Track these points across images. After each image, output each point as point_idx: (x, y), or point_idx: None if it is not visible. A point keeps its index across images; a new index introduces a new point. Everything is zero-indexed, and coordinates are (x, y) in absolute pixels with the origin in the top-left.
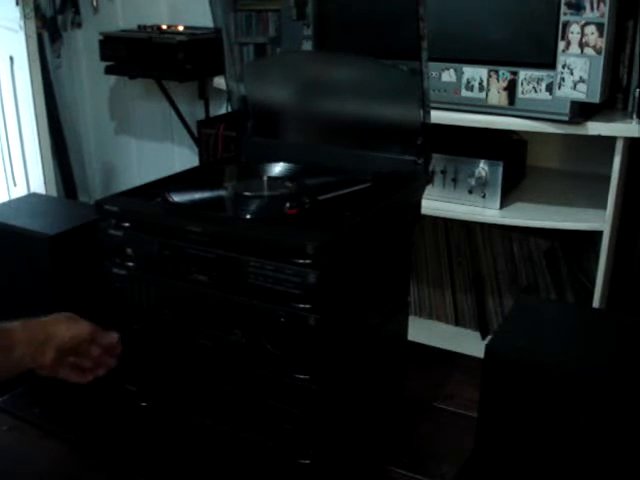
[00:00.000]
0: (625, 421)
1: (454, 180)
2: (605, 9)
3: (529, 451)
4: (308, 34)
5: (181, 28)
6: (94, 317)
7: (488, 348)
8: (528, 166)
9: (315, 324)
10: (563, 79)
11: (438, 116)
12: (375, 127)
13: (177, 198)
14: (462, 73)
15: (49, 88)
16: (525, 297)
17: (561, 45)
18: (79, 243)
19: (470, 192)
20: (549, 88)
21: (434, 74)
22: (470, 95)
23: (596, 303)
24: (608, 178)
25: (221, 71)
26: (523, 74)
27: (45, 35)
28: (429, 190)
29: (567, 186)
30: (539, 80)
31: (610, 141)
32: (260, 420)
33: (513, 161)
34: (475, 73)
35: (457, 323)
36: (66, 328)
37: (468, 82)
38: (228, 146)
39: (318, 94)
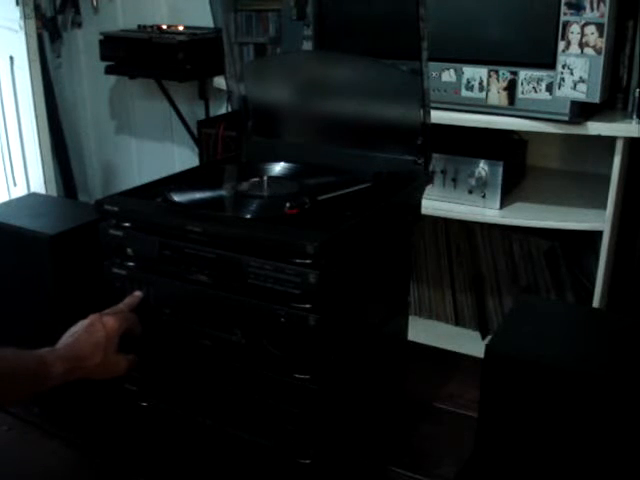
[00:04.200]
0: (625, 420)
1: (454, 180)
2: (605, 9)
3: (529, 451)
4: (308, 34)
5: (181, 28)
6: None
7: (488, 348)
8: (528, 166)
9: (315, 324)
10: (563, 79)
11: (438, 116)
12: (375, 127)
13: (177, 198)
14: (462, 73)
15: (49, 88)
16: (525, 297)
17: (561, 45)
18: (79, 243)
19: (470, 192)
20: (549, 88)
21: (434, 74)
22: (470, 95)
23: (596, 303)
24: (608, 178)
25: (221, 71)
26: (523, 74)
27: (45, 35)
28: (429, 190)
29: (567, 186)
30: (539, 80)
31: (610, 141)
32: (260, 420)
33: (513, 161)
34: (475, 73)
35: (457, 323)
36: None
37: (468, 82)
38: (228, 146)
39: (318, 94)
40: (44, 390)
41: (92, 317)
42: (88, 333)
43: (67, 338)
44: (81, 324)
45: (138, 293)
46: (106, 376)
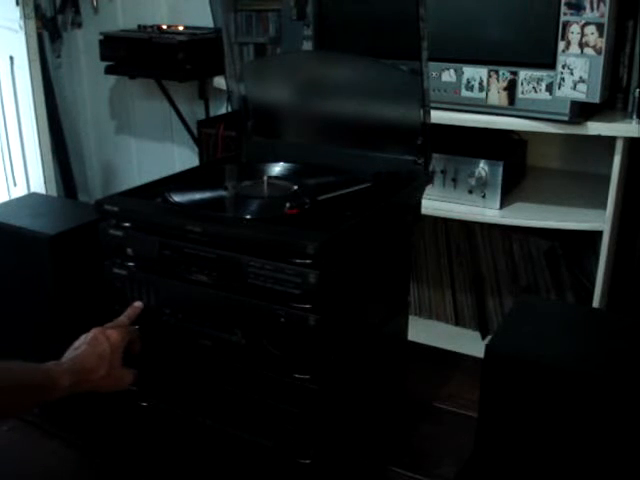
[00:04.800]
0: (624, 420)
1: (454, 180)
2: (605, 9)
3: (529, 451)
4: (308, 34)
5: (181, 28)
6: (94, 317)
7: (488, 348)
8: (528, 166)
9: (315, 324)
10: (563, 79)
11: (438, 116)
12: (375, 127)
13: (177, 198)
14: (462, 73)
15: (49, 88)
16: (525, 297)
17: (561, 45)
18: (79, 243)
19: (470, 192)
20: (549, 88)
21: (434, 74)
22: (470, 95)
23: (596, 303)
24: (608, 178)
25: (221, 71)
26: (523, 74)
27: (45, 35)
28: (429, 190)
29: (567, 186)
30: (539, 80)
31: (610, 141)
32: (260, 420)
33: (513, 161)
34: (475, 73)
35: (457, 323)
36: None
37: (468, 82)
38: (228, 146)
39: (318, 94)
40: (49, 402)
41: (95, 331)
42: (92, 346)
43: (71, 352)
44: (84, 338)
45: (138, 304)
46: (111, 389)
